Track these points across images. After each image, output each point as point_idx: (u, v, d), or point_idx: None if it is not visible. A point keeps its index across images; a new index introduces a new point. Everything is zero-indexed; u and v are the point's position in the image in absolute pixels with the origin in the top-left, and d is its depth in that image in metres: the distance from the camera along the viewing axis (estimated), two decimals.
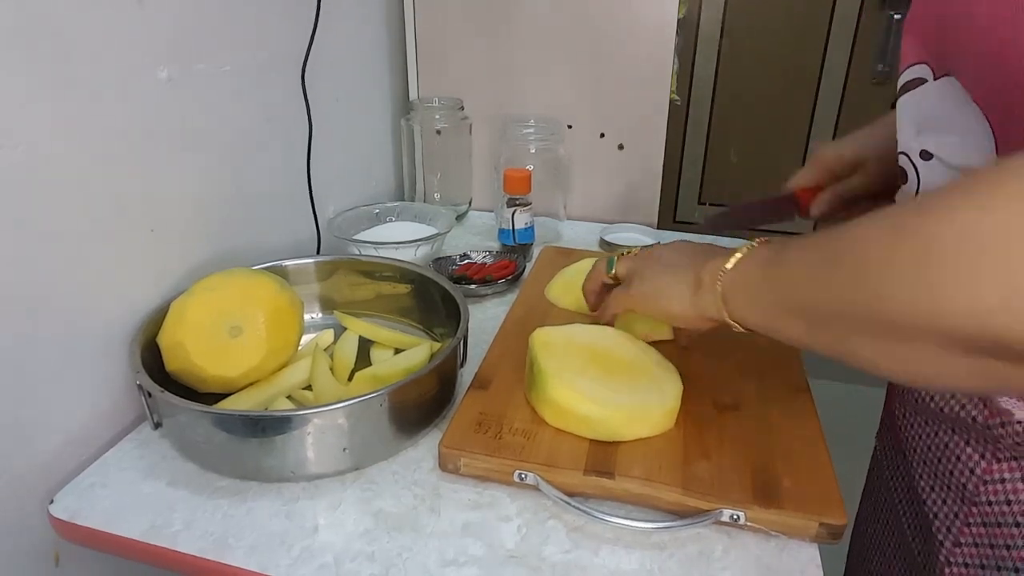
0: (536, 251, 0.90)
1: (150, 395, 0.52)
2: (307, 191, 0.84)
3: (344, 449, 0.52)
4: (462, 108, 1.03)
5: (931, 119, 0.44)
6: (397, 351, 0.67)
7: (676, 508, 0.48)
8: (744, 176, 1.97)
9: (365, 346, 0.69)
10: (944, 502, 0.50)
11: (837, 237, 0.35)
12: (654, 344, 0.61)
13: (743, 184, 1.97)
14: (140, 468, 0.54)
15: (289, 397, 0.60)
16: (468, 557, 0.46)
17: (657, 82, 0.99)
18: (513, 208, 0.88)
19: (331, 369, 0.64)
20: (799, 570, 0.45)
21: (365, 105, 0.99)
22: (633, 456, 0.51)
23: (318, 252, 0.87)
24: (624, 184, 1.06)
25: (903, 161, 0.47)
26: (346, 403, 0.50)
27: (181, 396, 0.51)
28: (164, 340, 0.57)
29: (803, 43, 1.94)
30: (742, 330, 0.47)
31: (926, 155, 0.44)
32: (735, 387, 0.59)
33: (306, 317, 0.70)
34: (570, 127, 1.04)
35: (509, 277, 0.82)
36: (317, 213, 0.86)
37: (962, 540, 0.48)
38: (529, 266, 0.87)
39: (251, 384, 0.60)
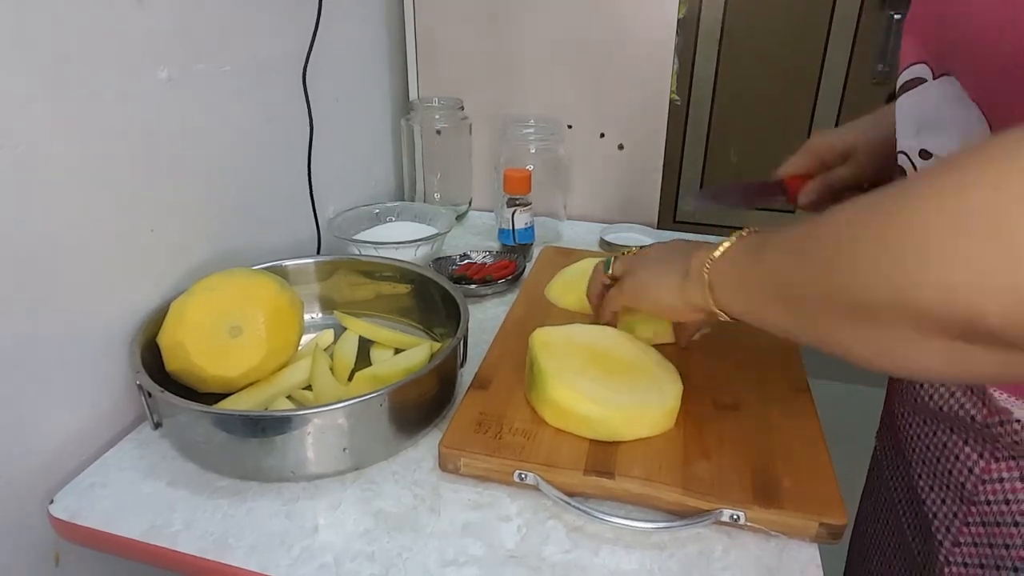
0: (536, 251, 0.90)
1: (150, 395, 0.52)
2: (307, 191, 0.84)
3: (344, 449, 0.52)
4: (462, 108, 1.03)
5: (930, 118, 0.44)
6: (397, 351, 0.67)
7: (676, 508, 0.48)
8: (744, 176, 1.98)
9: (365, 346, 0.69)
10: (943, 501, 0.50)
11: (817, 222, 0.35)
12: (656, 346, 0.61)
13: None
14: (140, 468, 0.54)
15: (289, 397, 0.60)
16: (468, 557, 0.46)
17: (657, 82, 0.99)
18: (513, 208, 0.88)
19: (331, 369, 0.64)
20: (799, 570, 0.45)
21: (365, 105, 0.99)
22: (633, 456, 0.51)
23: (318, 252, 0.87)
24: (624, 184, 1.06)
25: (902, 160, 0.47)
26: (346, 403, 0.50)
27: (181, 396, 0.51)
28: (164, 340, 0.57)
29: (803, 43, 1.94)
30: (728, 319, 0.48)
31: (925, 154, 0.44)
32: (735, 387, 0.59)
33: (306, 317, 0.70)
34: (570, 127, 1.04)
35: (509, 277, 0.82)
36: (317, 213, 0.86)
37: (961, 539, 0.48)
38: (529, 266, 0.87)
39: (251, 384, 0.60)
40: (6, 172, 0.48)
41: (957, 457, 0.49)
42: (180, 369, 0.57)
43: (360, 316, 0.73)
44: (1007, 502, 0.45)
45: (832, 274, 0.33)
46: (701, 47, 2.01)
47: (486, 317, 0.75)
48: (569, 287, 0.74)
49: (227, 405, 0.58)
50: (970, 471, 0.47)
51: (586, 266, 0.77)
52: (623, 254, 0.60)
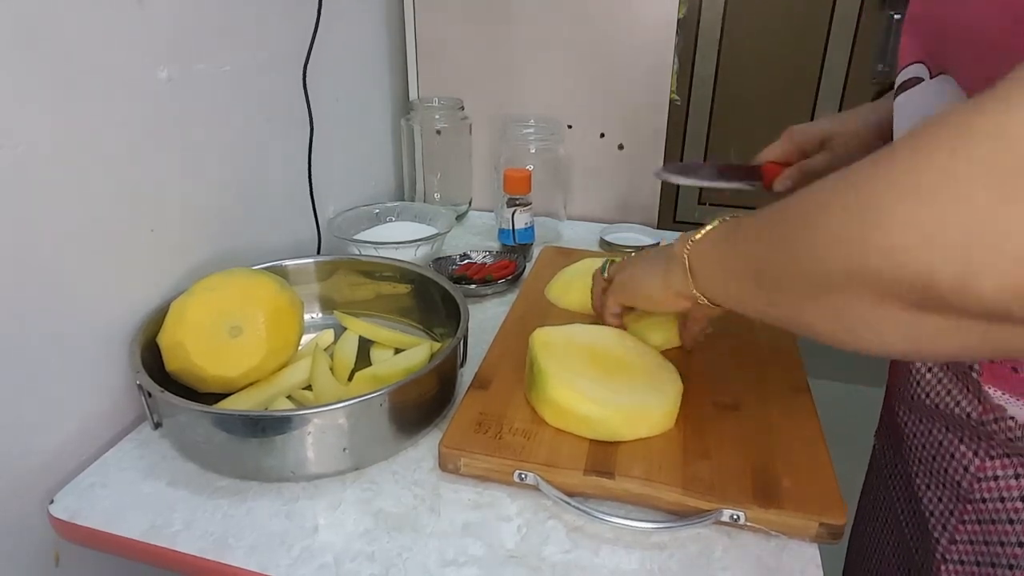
0: (536, 251, 0.90)
1: (150, 395, 0.52)
2: (307, 191, 0.84)
3: (344, 449, 0.52)
4: (462, 108, 1.03)
5: (927, 117, 0.44)
6: (397, 351, 0.67)
7: (676, 508, 0.48)
8: None
9: (365, 346, 0.69)
10: (940, 500, 0.50)
11: (787, 201, 0.36)
12: (663, 351, 0.61)
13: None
14: (140, 468, 0.54)
15: (289, 397, 0.60)
16: (468, 557, 0.46)
17: (657, 82, 0.99)
18: (513, 208, 0.88)
19: (331, 369, 0.64)
20: (799, 570, 0.45)
21: (365, 105, 0.99)
22: (633, 456, 0.51)
23: (318, 252, 0.87)
24: (624, 184, 1.06)
25: None
26: (346, 403, 0.50)
27: (181, 396, 0.51)
28: (164, 340, 0.57)
29: (803, 43, 1.94)
30: (707, 303, 0.48)
31: None
32: (735, 387, 0.59)
33: (306, 317, 0.70)
34: (570, 127, 1.04)
35: (509, 277, 0.82)
36: (317, 213, 0.86)
37: (957, 537, 0.49)
38: (529, 266, 0.87)
39: (251, 384, 0.60)
40: (6, 172, 0.48)
41: (953, 455, 0.49)
42: (180, 369, 0.57)
43: (360, 316, 0.73)
44: (1002, 500, 0.46)
45: (797, 247, 0.34)
46: (701, 47, 2.01)
47: (486, 317, 0.75)
48: (569, 287, 0.74)
49: (227, 405, 0.58)
50: (966, 469, 0.48)
51: (586, 266, 0.77)
52: (618, 260, 0.60)
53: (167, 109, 0.62)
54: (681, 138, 2.09)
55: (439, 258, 0.86)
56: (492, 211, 1.03)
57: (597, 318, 0.64)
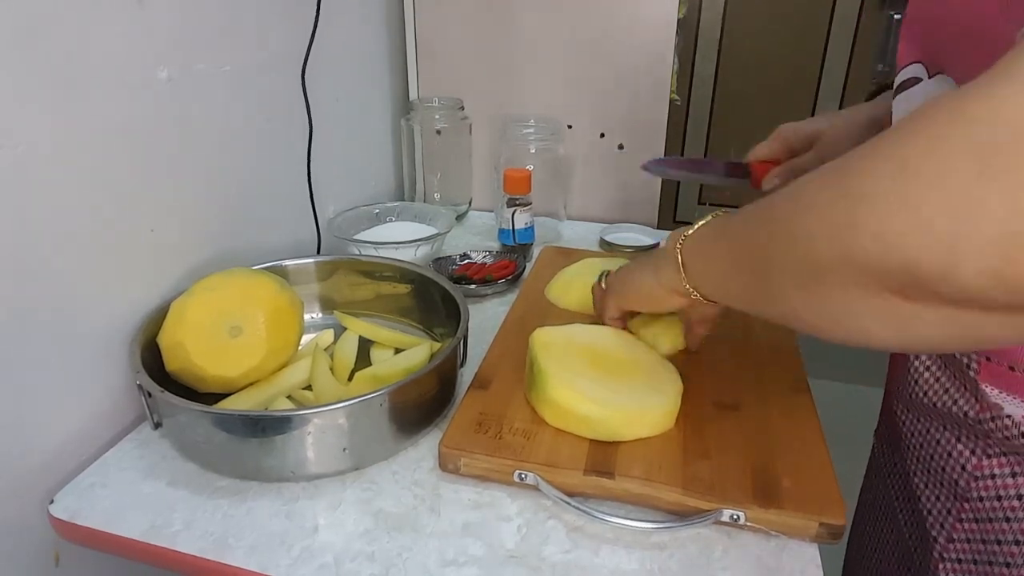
0: (536, 251, 0.90)
1: (150, 395, 0.52)
2: (307, 191, 0.84)
3: (344, 449, 0.52)
4: (462, 108, 1.03)
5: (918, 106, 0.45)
6: (397, 351, 0.67)
7: (676, 508, 0.48)
8: None
9: (365, 346, 0.69)
10: (937, 498, 0.51)
11: (777, 193, 0.37)
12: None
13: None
14: (140, 468, 0.54)
15: (289, 397, 0.60)
16: (468, 557, 0.46)
17: (657, 82, 0.99)
18: (513, 208, 0.88)
19: (331, 369, 0.64)
20: (799, 570, 0.45)
21: (365, 105, 0.99)
22: (633, 456, 0.51)
23: (318, 252, 0.87)
24: (624, 184, 1.06)
25: None
26: (346, 403, 0.50)
27: (181, 396, 0.51)
28: (164, 340, 0.57)
29: (803, 43, 1.94)
30: (699, 298, 0.49)
31: None
32: (735, 387, 0.59)
33: (306, 317, 0.70)
34: (570, 127, 1.04)
35: (509, 277, 0.82)
36: (317, 213, 0.86)
37: (955, 536, 0.49)
38: (529, 266, 0.87)
39: (251, 384, 0.60)
40: (6, 172, 0.48)
41: (950, 454, 0.49)
42: (180, 369, 0.57)
43: (360, 316, 0.73)
44: (999, 498, 0.46)
45: (787, 234, 0.35)
46: (701, 47, 2.01)
47: (486, 317, 0.76)
48: (569, 287, 0.74)
49: (227, 405, 0.58)
50: (963, 468, 0.48)
51: (586, 266, 0.77)
52: (614, 270, 0.61)
53: (167, 109, 0.62)
54: (681, 138, 2.09)
55: (439, 258, 0.86)
56: (492, 211, 1.03)
57: (597, 318, 0.64)
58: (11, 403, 0.51)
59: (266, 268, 0.69)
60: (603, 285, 0.60)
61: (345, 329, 0.70)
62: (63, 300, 0.54)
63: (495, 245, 0.94)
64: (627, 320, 0.62)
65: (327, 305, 0.75)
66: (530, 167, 0.90)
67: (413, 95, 1.08)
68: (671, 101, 1.01)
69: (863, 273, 0.30)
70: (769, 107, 1.96)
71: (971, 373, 0.45)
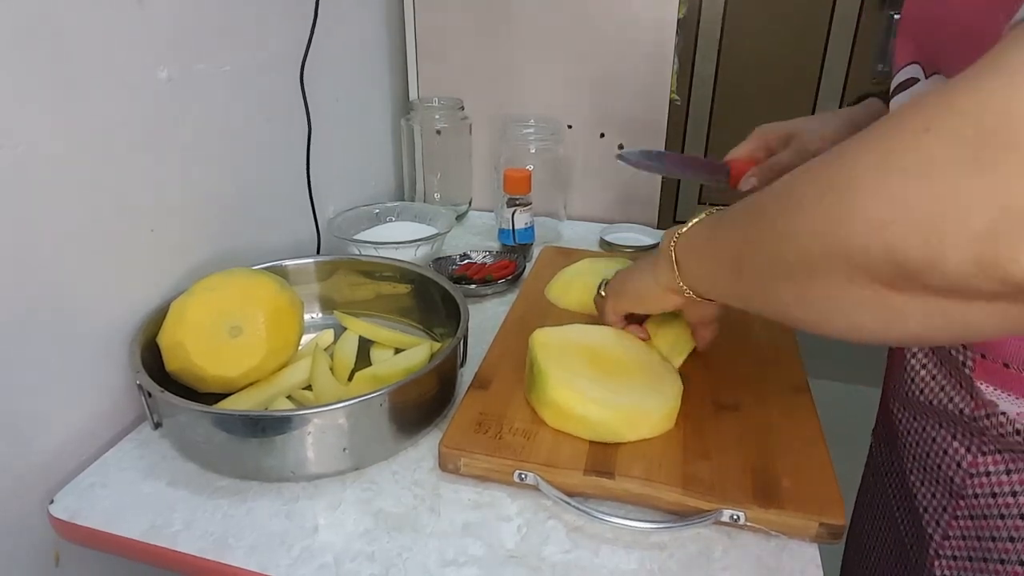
0: (536, 251, 0.90)
1: (150, 395, 0.52)
2: (307, 191, 0.84)
3: (344, 449, 0.52)
4: (462, 108, 1.03)
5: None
6: (397, 351, 0.67)
7: (676, 508, 0.48)
8: None
9: (365, 346, 0.69)
10: (933, 496, 0.51)
11: (766, 189, 0.37)
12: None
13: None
14: (140, 468, 0.54)
15: (289, 397, 0.60)
16: (468, 557, 0.46)
17: (657, 82, 0.99)
18: (513, 208, 0.88)
19: (331, 369, 0.64)
20: (799, 570, 0.45)
21: (365, 105, 0.99)
22: (633, 456, 0.51)
23: (318, 252, 0.87)
24: (624, 184, 1.06)
25: None
26: (346, 403, 0.50)
27: (181, 396, 0.51)
28: (164, 340, 0.57)
29: (803, 43, 1.94)
30: (695, 296, 0.49)
31: None
32: (735, 387, 0.59)
33: (306, 317, 0.70)
34: (570, 127, 1.04)
35: (509, 277, 0.82)
36: (317, 213, 0.86)
37: (950, 533, 0.49)
38: (529, 266, 0.87)
39: (251, 384, 0.60)
40: (6, 172, 0.48)
41: (946, 452, 0.49)
42: (180, 369, 0.57)
43: (360, 316, 0.73)
44: (993, 495, 0.46)
45: (777, 228, 0.35)
46: (701, 47, 2.01)
47: (486, 317, 0.76)
48: (569, 287, 0.74)
49: (227, 405, 0.58)
50: (958, 465, 0.48)
51: (586, 266, 0.77)
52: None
53: (167, 109, 0.62)
54: (681, 138, 2.09)
55: (439, 258, 0.86)
56: (492, 211, 1.03)
57: (597, 319, 0.64)
58: (11, 403, 0.51)
59: (266, 268, 0.69)
60: (603, 293, 0.61)
61: (345, 329, 0.70)
62: (63, 300, 0.54)
63: (495, 245, 0.94)
64: (629, 323, 0.62)
65: (327, 305, 0.75)
66: (530, 167, 0.90)
67: (413, 95, 1.08)
68: (671, 101, 1.01)
69: (851, 264, 0.30)
70: (769, 107, 1.96)
71: (966, 371, 0.46)
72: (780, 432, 0.54)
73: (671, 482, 0.48)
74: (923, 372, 0.50)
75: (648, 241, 0.96)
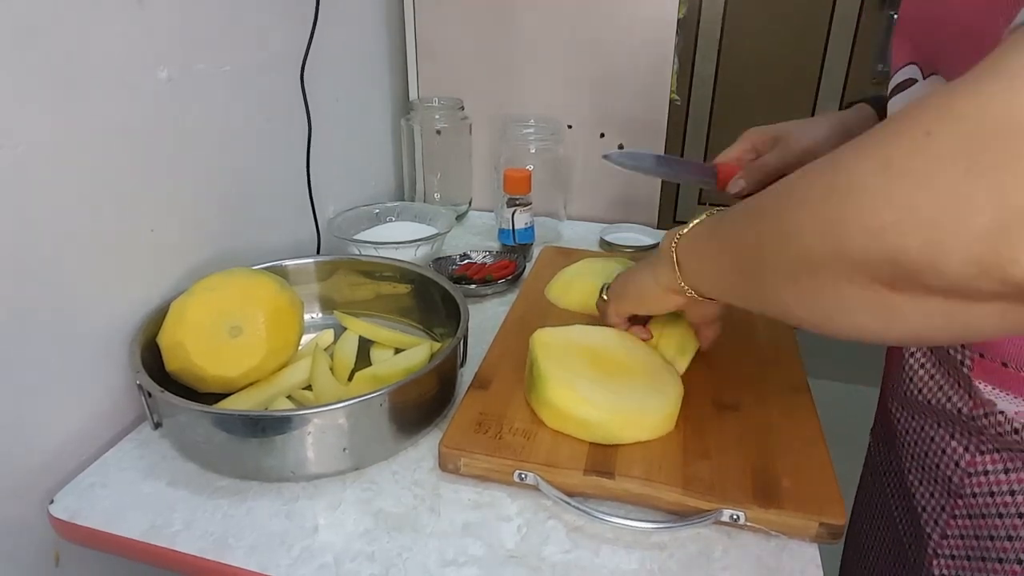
0: (536, 251, 0.90)
1: (150, 395, 0.52)
2: (307, 191, 0.84)
3: (344, 449, 0.52)
4: (462, 108, 1.03)
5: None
6: (397, 351, 0.67)
7: (676, 508, 0.48)
8: None
9: (365, 346, 0.69)
10: (931, 495, 0.51)
11: (767, 190, 0.37)
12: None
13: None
14: (140, 468, 0.54)
15: (289, 397, 0.60)
16: (468, 557, 0.46)
17: (657, 82, 0.99)
18: (513, 208, 0.88)
19: (331, 369, 0.64)
20: (799, 570, 0.45)
21: (365, 105, 0.99)
22: (633, 456, 0.51)
23: (318, 252, 0.87)
24: (624, 184, 1.06)
25: None
26: (346, 403, 0.50)
27: (181, 396, 0.51)
28: (164, 340, 0.57)
29: (803, 43, 1.94)
30: (695, 296, 0.49)
31: None
32: (735, 387, 0.59)
33: (306, 317, 0.70)
34: (570, 127, 1.04)
35: (509, 277, 0.82)
36: (317, 213, 0.86)
37: (949, 532, 0.49)
38: (529, 266, 0.87)
39: (251, 384, 0.60)
40: (6, 172, 0.48)
41: (944, 451, 0.50)
42: (180, 369, 0.57)
43: (360, 316, 0.73)
44: (991, 494, 0.46)
45: (776, 232, 0.35)
46: (701, 47, 2.01)
47: (486, 317, 0.76)
48: (569, 287, 0.74)
49: (227, 405, 0.58)
50: (956, 464, 0.48)
51: (586, 267, 0.77)
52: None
53: (167, 109, 0.62)
54: (681, 138, 2.09)
55: (439, 258, 0.86)
56: (492, 211, 1.03)
57: (598, 319, 0.64)
58: (11, 403, 0.51)
59: (266, 268, 0.69)
60: (604, 297, 0.61)
61: (345, 329, 0.70)
62: (63, 300, 0.54)
63: (495, 245, 0.94)
64: (632, 325, 0.62)
65: (327, 305, 0.75)
66: (530, 167, 0.90)
67: (413, 95, 1.08)
68: (671, 101, 1.01)
69: (853, 266, 0.30)
70: (769, 107, 1.96)
71: (964, 370, 0.46)
72: (780, 432, 0.54)
73: (671, 482, 0.48)
74: (921, 371, 0.51)
75: (648, 241, 0.96)
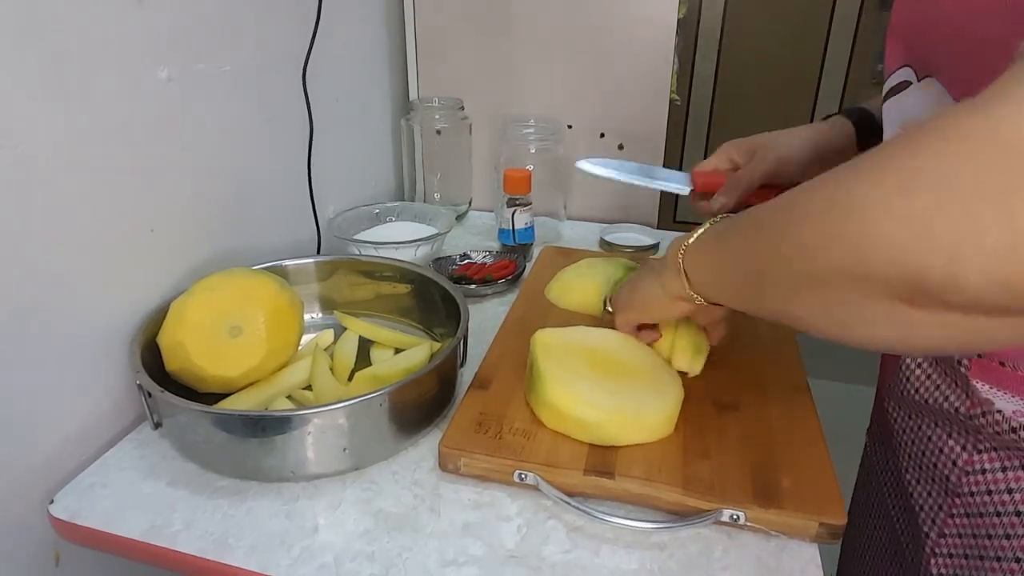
0: (536, 251, 0.90)
1: (150, 395, 0.52)
2: (307, 191, 0.84)
3: (344, 449, 0.52)
4: (462, 108, 1.03)
5: (913, 120, 0.45)
6: (397, 351, 0.67)
7: (676, 508, 0.48)
8: None
9: (365, 346, 0.69)
10: (929, 494, 0.51)
11: (777, 199, 0.37)
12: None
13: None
14: (140, 468, 0.54)
15: (289, 397, 0.60)
16: (468, 557, 0.46)
17: (657, 82, 0.99)
18: (513, 208, 0.88)
19: (331, 369, 0.64)
20: (799, 570, 0.45)
21: (365, 105, 0.99)
22: (633, 456, 0.51)
23: (318, 252, 0.87)
24: (624, 184, 1.06)
25: None
26: (346, 403, 0.50)
27: (181, 396, 0.51)
28: (164, 340, 0.57)
29: (803, 43, 1.94)
30: (704, 303, 0.49)
31: None
32: (735, 387, 0.59)
33: (306, 317, 0.70)
34: (570, 127, 1.04)
35: (509, 277, 0.82)
36: (317, 213, 0.86)
37: (946, 531, 0.49)
38: (529, 266, 0.87)
39: (251, 384, 0.60)
40: (6, 172, 0.48)
41: (941, 450, 0.50)
42: (180, 369, 0.57)
43: (360, 316, 0.73)
44: (989, 493, 0.46)
45: (787, 242, 0.35)
46: (701, 47, 2.01)
47: (486, 317, 0.76)
48: (569, 287, 0.74)
49: (227, 405, 0.58)
50: (954, 463, 0.48)
51: (586, 267, 0.77)
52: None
53: (167, 109, 0.62)
54: (681, 138, 2.09)
55: (439, 258, 0.86)
56: (492, 211, 1.03)
57: (597, 319, 0.64)
58: (11, 403, 0.51)
59: (266, 268, 0.69)
60: (609, 309, 0.61)
61: (345, 329, 0.70)
62: (63, 300, 0.54)
63: (495, 245, 0.94)
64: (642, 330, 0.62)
65: (327, 305, 0.75)
66: (530, 167, 0.90)
67: (413, 95, 1.08)
68: (671, 101, 1.01)
69: (870, 283, 0.30)
70: (769, 107, 1.96)
71: (962, 369, 0.46)
72: (780, 432, 0.54)
73: (671, 482, 0.48)
74: (919, 371, 0.51)
75: (648, 241, 0.96)
